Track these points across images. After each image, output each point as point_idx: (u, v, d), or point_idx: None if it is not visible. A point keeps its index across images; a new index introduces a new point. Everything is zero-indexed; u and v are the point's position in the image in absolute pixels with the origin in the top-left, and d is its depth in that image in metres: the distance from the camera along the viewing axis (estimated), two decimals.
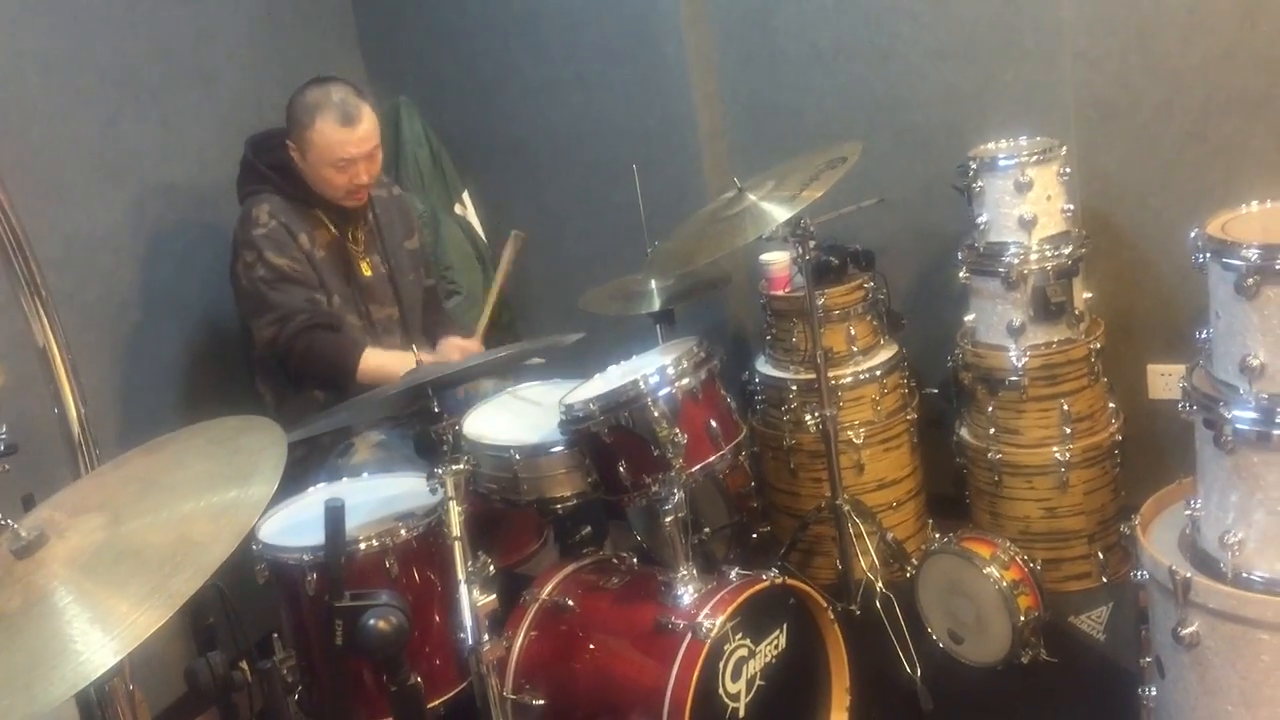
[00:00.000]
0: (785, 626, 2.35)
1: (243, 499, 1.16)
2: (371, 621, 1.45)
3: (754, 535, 3.35)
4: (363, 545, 2.32)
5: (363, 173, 2.89)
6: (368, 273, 3.03)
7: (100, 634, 1.06)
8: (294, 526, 2.47)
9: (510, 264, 3.14)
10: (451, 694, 2.40)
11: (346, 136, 2.83)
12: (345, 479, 2.68)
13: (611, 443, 2.36)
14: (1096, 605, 2.98)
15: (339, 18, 3.87)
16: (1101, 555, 3.01)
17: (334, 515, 1.70)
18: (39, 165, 2.88)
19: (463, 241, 3.75)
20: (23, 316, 1.49)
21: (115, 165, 3.07)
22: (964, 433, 3.16)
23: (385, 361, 2.84)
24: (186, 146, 3.27)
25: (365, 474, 2.69)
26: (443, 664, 2.37)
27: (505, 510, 2.64)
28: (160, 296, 3.17)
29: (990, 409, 3.02)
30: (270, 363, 2.91)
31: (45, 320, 1.44)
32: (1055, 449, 2.95)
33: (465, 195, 3.85)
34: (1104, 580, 3.02)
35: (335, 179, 2.87)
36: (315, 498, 2.61)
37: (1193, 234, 2.07)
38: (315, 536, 2.37)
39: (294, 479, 2.83)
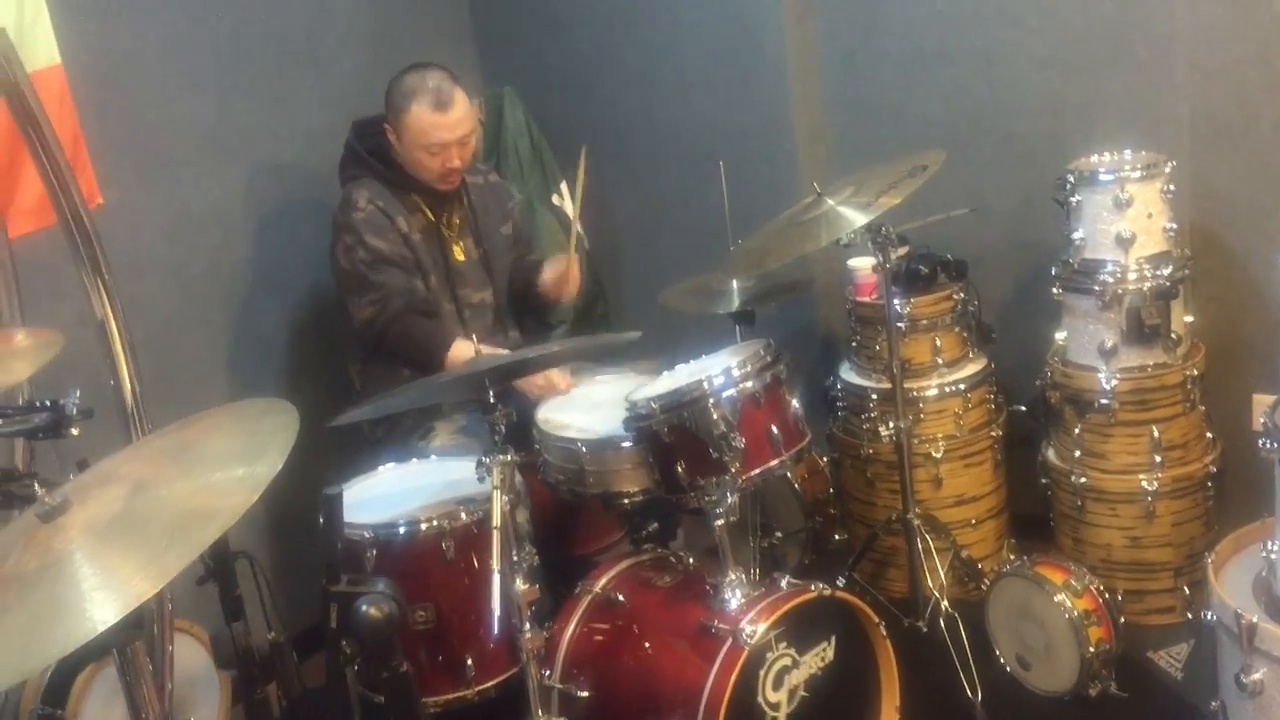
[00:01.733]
0: (834, 639, 2.32)
1: (247, 478, 1.20)
2: (364, 608, 1.49)
3: (830, 543, 3.32)
4: (423, 526, 2.39)
5: (455, 157, 2.95)
6: (461, 257, 3.09)
7: (101, 598, 1.11)
8: (362, 503, 2.55)
9: (585, 179, 3.12)
10: (502, 677, 2.46)
11: (440, 121, 2.89)
12: (415, 460, 2.74)
13: (671, 442, 2.36)
14: (1178, 642, 2.86)
15: (452, 6, 3.95)
16: (1188, 590, 2.89)
17: (331, 503, 1.75)
18: (154, 142, 3.03)
19: (557, 231, 3.79)
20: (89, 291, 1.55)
21: (227, 144, 3.21)
22: (1050, 454, 3.07)
23: (475, 353, 2.88)
24: (296, 127, 3.38)
25: (434, 456, 2.75)
26: (495, 648, 2.41)
27: (583, 501, 2.67)
28: (264, 272, 3.30)
29: (1077, 431, 2.93)
30: (366, 341, 3.00)
31: (105, 296, 1.50)
32: (1143, 477, 2.84)
33: (563, 186, 3.89)
34: (1189, 616, 2.89)
35: (428, 162, 2.94)
36: (385, 476, 2.69)
37: None
38: (379, 514, 2.47)
39: (374, 457, 2.93)
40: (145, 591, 1.10)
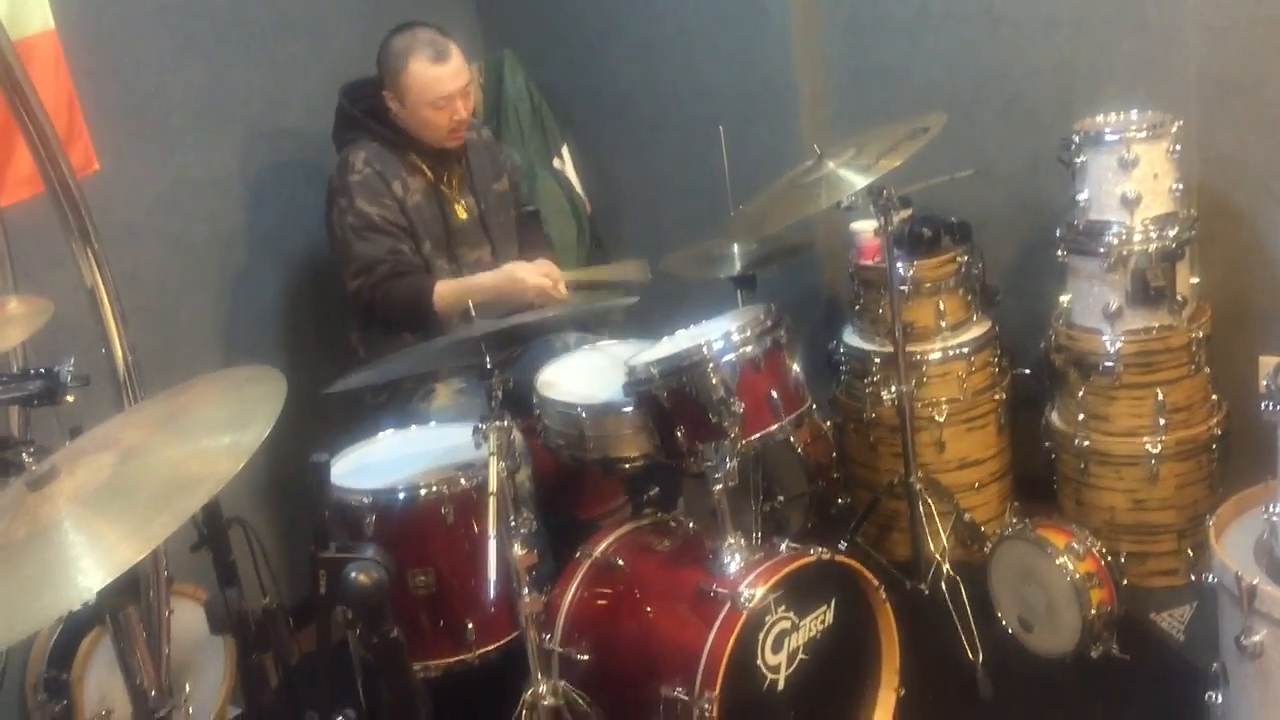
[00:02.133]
0: (834, 602, 2.32)
1: (232, 445, 1.20)
2: (353, 574, 1.49)
3: (833, 507, 3.32)
4: (422, 491, 2.40)
5: (461, 108, 2.93)
6: (462, 215, 3.07)
7: (89, 565, 1.11)
8: (361, 469, 2.56)
9: (622, 277, 3.11)
10: (503, 641, 2.47)
11: (441, 72, 2.87)
12: (414, 426, 2.74)
13: (671, 407, 2.36)
14: (1180, 604, 2.85)
15: None
16: (1191, 553, 2.88)
17: (318, 470, 1.75)
18: (150, 109, 3.02)
19: (558, 195, 3.78)
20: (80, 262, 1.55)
21: (224, 110, 3.19)
22: (1053, 417, 3.05)
23: (457, 285, 2.89)
24: (294, 94, 3.36)
25: (434, 422, 2.75)
26: (496, 612, 2.42)
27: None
28: (263, 240, 3.29)
29: (1081, 394, 2.91)
30: (358, 311, 2.99)
31: (94, 264, 1.49)
32: (1146, 440, 2.82)
33: (564, 150, 3.87)
34: (1192, 578, 2.88)
35: (436, 118, 2.91)
36: (385, 442, 2.70)
37: None
38: (380, 479, 2.48)
39: (375, 422, 2.93)
40: (131, 558, 1.10)
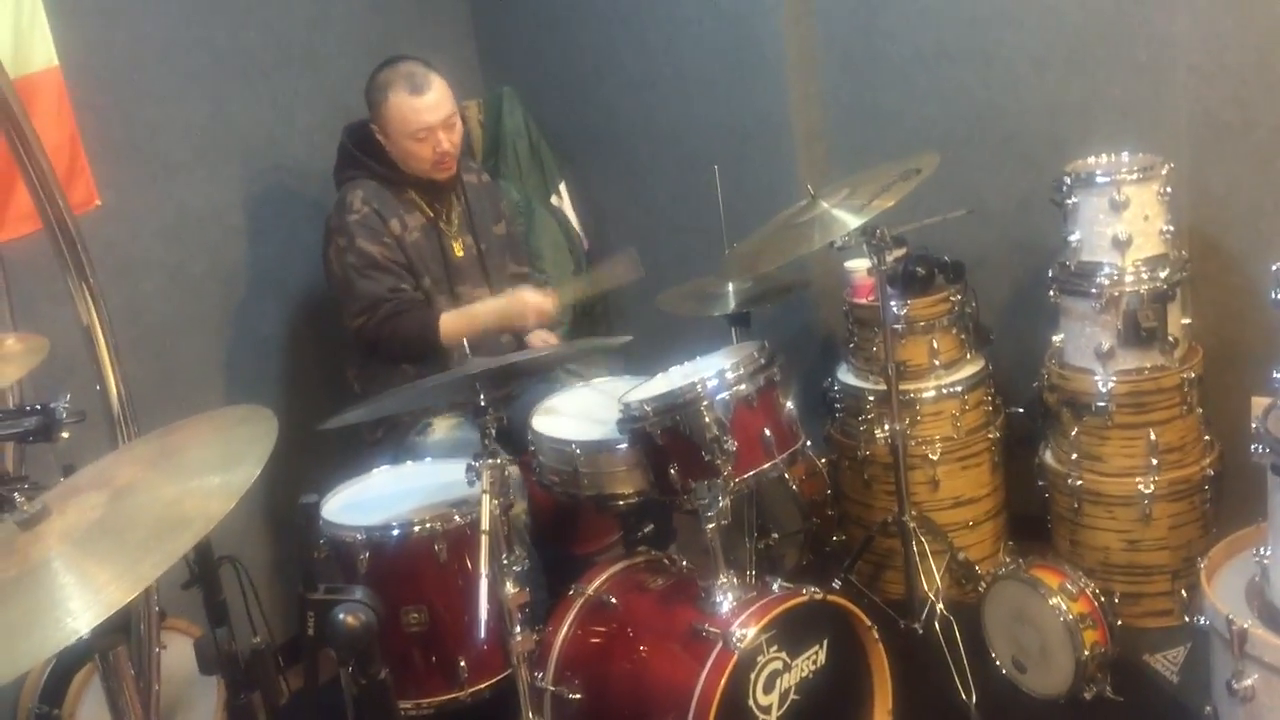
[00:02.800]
0: (825, 642, 2.32)
1: (223, 486, 1.20)
2: (341, 616, 1.50)
3: (828, 544, 3.32)
4: (416, 528, 2.40)
5: (443, 140, 2.94)
6: (459, 253, 3.09)
7: (76, 607, 1.12)
8: (355, 505, 2.56)
9: (615, 280, 3.15)
10: (495, 679, 2.46)
11: (418, 104, 2.90)
12: (409, 462, 2.75)
13: (664, 444, 2.37)
14: (1175, 645, 2.85)
15: (452, 7, 3.95)
16: (1185, 594, 2.88)
17: (306, 512, 1.76)
18: (152, 144, 3.05)
19: (556, 231, 3.80)
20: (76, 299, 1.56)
21: (225, 145, 3.22)
22: (1047, 456, 3.06)
23: (462, 314, 2.93)
24: (295, 129, 3.39)
25: (429, 458, 2.76)
26: (489, 649, 2.42)
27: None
28: (263, 273, 3.31)
29: (1074, 434, 2.92)
30: (361, 348, 3.01)
31: (90, 302, 1.51)
32: (1140, 480, 2.83)
33: (562, 186, 3.90)
34: (1185, 620, 2.87)
35: (418, 150, 2.94)
36: (378, 478, 2.70)
37: (1275, 268, 1.97)
38: (373, 516, 2.48)
39: (371, 458, 2.94)
40: (120, 599, 1.10)
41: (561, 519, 2.98)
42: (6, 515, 1.70)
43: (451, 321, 2.91)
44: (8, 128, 1.48)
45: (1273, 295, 1.95)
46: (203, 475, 1.25)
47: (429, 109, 2.90)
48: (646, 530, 2.83)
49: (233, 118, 3.23)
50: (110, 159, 2.93)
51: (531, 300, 2.94)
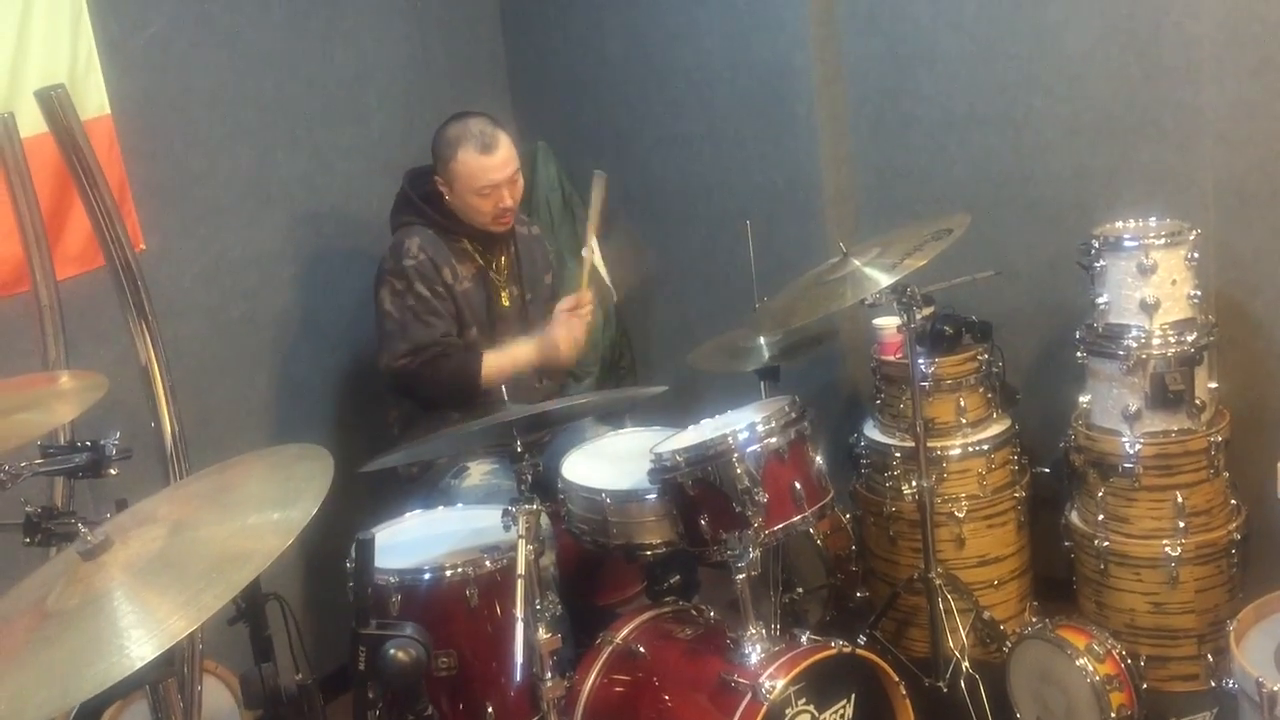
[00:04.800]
0: (853, 696, 2.33)
1: (281, 523, 1.24)
2: (392, 651, 1.52)
3: (851, 600, 3.32)
4: (448, 573, 2.42)
5: (506, 196, 3.03)
6: (506, 303, 3.16)
7: (140, 636, 1.15)
8: (388, 548, 2.58)
9: (601, 204, 3.19)
10: None
11: (488, 163, 2.98)
12: (441, 507, 2.78)
13: (695, 495, 2.39)
14: (1201, 709, 2.82)
15: (490, 63, 4.05)
16: (1211, 658, 2.86)
17: (364, 548, 1.79)
18: (197, 189, 3.12)
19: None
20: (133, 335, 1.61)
21: (268, 192, 3.29)
22: (1073, 516, 3.07)
23: (503, 358, 3.01)
24: (335, 178, 3.47)
25: (460, 504, 2.79)
26: (516, 696, 2.43)
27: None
28: (299, 318, 3.37)
29: (1100, 494, 2.93)
30: (396, 386, 3.06)
31: (149, 341, 1.55)
32: (1166, 543, 2.83)
33: (593, 240, 3.95)
34: (1212, 684, 2.86)
35: (482, 205, 3.02)
36: (411, 522, 2.73)
37: None
38: (406, 559, 2.50)
39: (408, 496, 2.98)
40: (182, 630, 1.14)
41: (584, 569, 2.99)
42: (56, 546, 1.75)
43: (493, 362, 2.99)
44: (78, 171, 1.53)
45: None
46: (262, 511, 1.29)
47: (497, 168, 2.99)
48: (673, 581, 2.85)
49: (276, 167, 3.31)
50: (155, 204, 3.01)
51: (562, 335, 3.01)
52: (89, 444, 1.86)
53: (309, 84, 3.39)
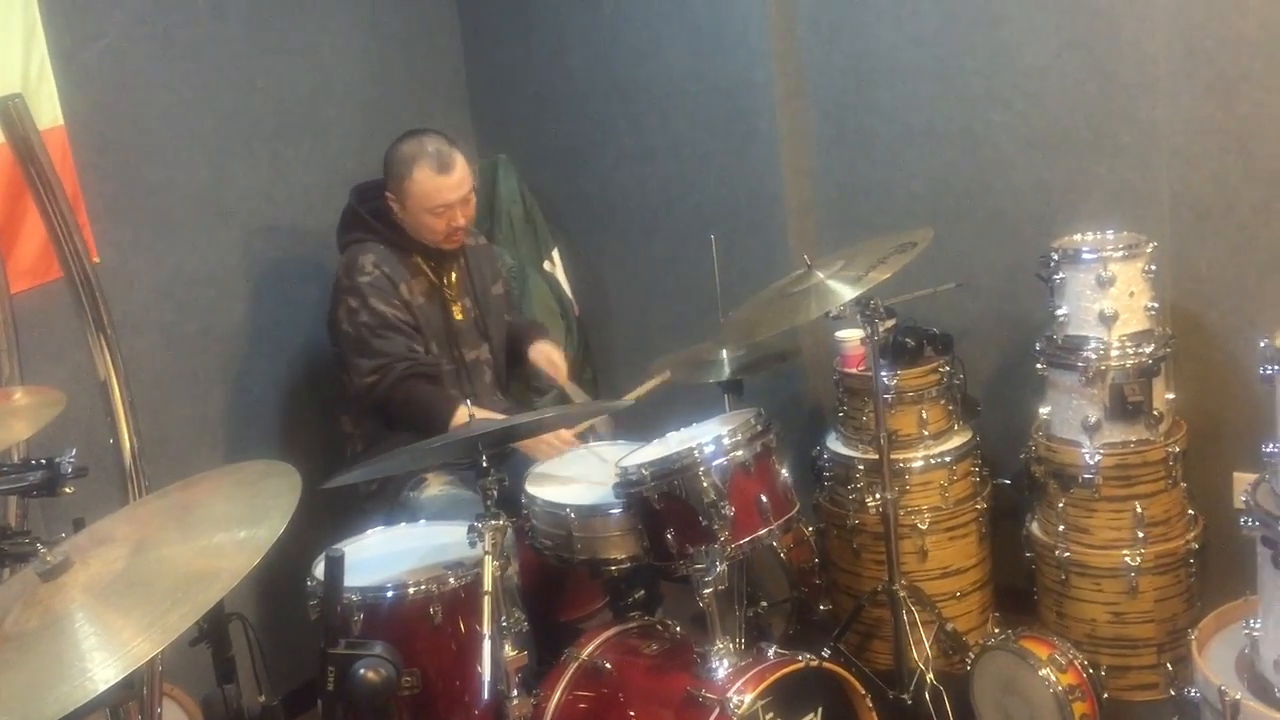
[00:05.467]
0: (820, 710, 2.33)
1: (248, 541, 1.21)
2: (361, 671, 1.50)
3: (814, 613, 3.32)
4: (410, 590, 2.38)
5: (459, 216, 3.00)
6: (459, 316, 3.13)
7: (101, 659, 1.12)
8: (351, 566, 2.50)
9: (647, 392, 3.09)
10: None
11: (443, 183, 2.95)
12: (403, 524, 2.75)
13: (661, 509, 2.38)
14: (1161, 718, 2.86)
15: (451, 75, 4.02)
16: (1171, 667, 2.90)
17: (333, 565, 1.76)
18: (152, 203, 3.07)
19: (548, 297, 3.85)
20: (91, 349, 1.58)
21: (224, 207, 3.25)
22: (1034, 527, 3.09)
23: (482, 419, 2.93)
24: (294, 192, 3.43)
25: (422, 520, 2.76)
26: (481, 714, 2.39)
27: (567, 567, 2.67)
28: (256, 333, 3.33)
29: (1061, 505, 2.95)
30: (367, 406, 3.02)
31: (108, 356, 1.52)
32: (1126, 553, 2.86)
33: (555, 254, 3.95)
34: (1171, 693, 2.89)
35: (434, 224, 2.99)
36: (373, 539, 2.69)
37: (1262, 344, 2.02)
38: (367, 577, 2.46)
39: (367, 512, 2.95)
40: (147, 652, 1.11)
41: (545, 585, 2.97)
42: (27, 565, 1.70)
43: (463, 420, 2.91)
44: (36, 182, 1.50)
45: (1261, 370, 2.00)
46: (228, 529, 1.26)
47: (452, 188, 2.96)
48: (637, 596, 2.84)
49: (233, 180, 3.27)
50: (110, 218, 2.96)
51: (544, 451, 2.90)
52: (44, 461, 1.82)
53: (266, 96, 3.35)
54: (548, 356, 3.24)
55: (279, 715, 1.49)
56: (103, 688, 1.07)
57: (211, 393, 3.22)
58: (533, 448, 2.88)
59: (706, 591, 2.29)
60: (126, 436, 1.54)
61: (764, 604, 3.21)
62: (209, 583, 1.16)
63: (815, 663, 2.29)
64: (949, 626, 2.99)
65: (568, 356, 3.75)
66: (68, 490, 1.83)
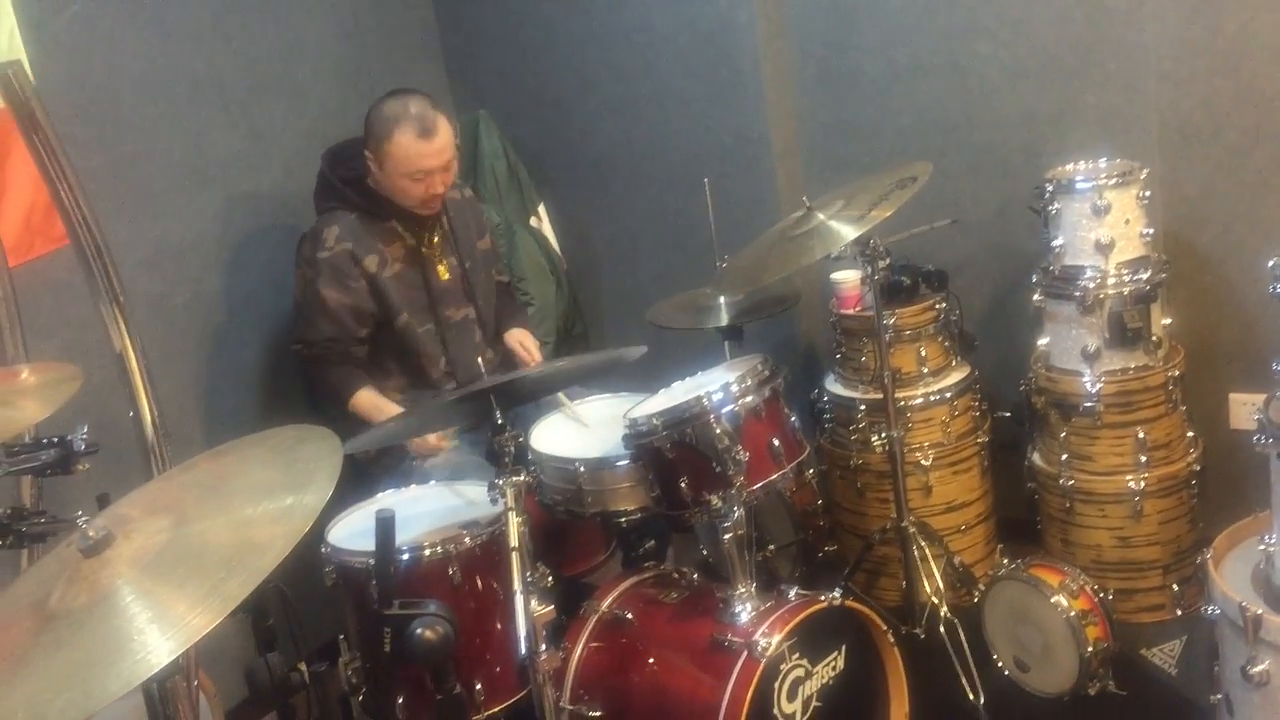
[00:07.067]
0: (844, 648, 2.34)
1: (298, 506, 1.19)
2: (419, 630, 1.48)
3: (820, 554, 3.34)
4: (427, 551, 2.37)
5: (438, 183, 2.93)
6: (445, 276, 3.09)
7: (158, 633, 1.10)
8: (362, 531, 2.51)
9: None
10: (511, 701, 2.43)
11: (424, 149, 2.87)
12: (414, 485, 2.73)
13: (674, 458, 2.37)
14: (1170, 638, 2.90)
15: (423, 32, 3.95)
16: (1176, 587, 2.94)
17: (384, 525, 1.73)
18: (132, 174, 3.00)
19: (536, 253, 3.81)
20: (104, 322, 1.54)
21: (204, 174, 3.18)
22: (1036, 458, 3.11)
23: (377, 404, 2.97)
24: (272, 156, 3.36)
25: (433, 480, 2.74)
26: (503, 671, 2.40)
27: (573, 521, 2.66)
28: (244, 302, 3.27)
29: (1063, 435, 2.98)
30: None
31: (123, 327, 1.48)
32: (1129, 477, 2.89)
33: (541, 208, 3.91)
34: (1178, 613, 2.95)
35: (411, 189, 2.92)
36: (383, 503, 2.67)
37: (1271, 262, 2.03)
38: None
39: (369, 478, 2.93)
40: (206, 624, 1.09)
41: (549, 540, 2.96)
42: (31, 547, 1.67)
43: (366, 399, 2.98)
44: (38, 147, 1.45)
45: (1272, 289, 2.01)
46: (274, 497, 1.24)
47: (433, 154, 2.88)
48: (648, 545, 2.84)
49: (211, 147, 3.19)
50: (89, 191, 2.86)
51: (421, 449, 2.91)
52: (56, 440, 1.79)
53: (240, 59, 3.27)
54: (521, 342, 3.21)
55: (324, 680, 1.48)
56: (166, 660, 1.05)
57: (202, 363, 3.17)
58: (419, 445, 2.92)
59: (727, 537, 2.28)
60: (147, 409, 1.50)
61: (771, 548, 3.22)
62: (262, 551, 1.14)
63: (838, 602, 2.29)
64: (956, 560, 3.02)
65: (561, 315, 3.74)
66: (82, 467, 1.80)
